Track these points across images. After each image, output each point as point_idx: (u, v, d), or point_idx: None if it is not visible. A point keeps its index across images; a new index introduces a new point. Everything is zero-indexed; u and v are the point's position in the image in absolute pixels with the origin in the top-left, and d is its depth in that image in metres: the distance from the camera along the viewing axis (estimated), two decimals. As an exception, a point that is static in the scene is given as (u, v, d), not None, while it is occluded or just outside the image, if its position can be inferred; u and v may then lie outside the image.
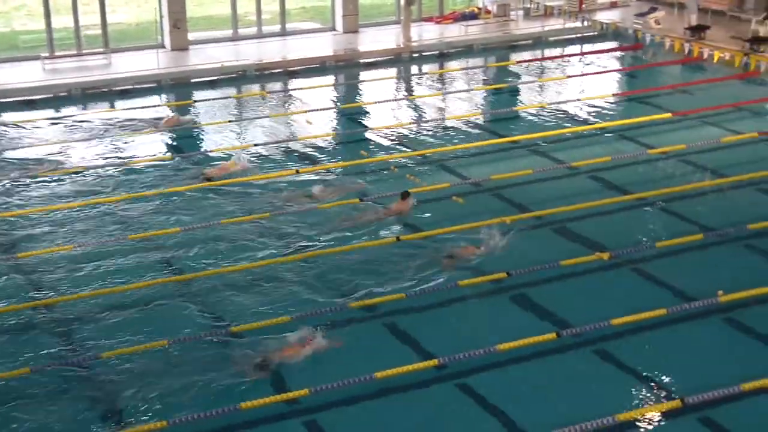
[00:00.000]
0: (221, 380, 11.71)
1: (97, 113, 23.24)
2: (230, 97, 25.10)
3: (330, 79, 27.24)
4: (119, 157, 19.91)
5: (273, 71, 27.21)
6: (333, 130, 22.32)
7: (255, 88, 26.11)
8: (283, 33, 30.68)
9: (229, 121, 22.58)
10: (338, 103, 24.94)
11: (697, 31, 28.28)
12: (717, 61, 26.50)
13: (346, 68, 28.00)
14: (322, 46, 29.20)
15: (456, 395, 11.52)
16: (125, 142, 20.94)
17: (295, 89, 26.04)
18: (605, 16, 31.91)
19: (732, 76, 25.83)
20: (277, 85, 26.37)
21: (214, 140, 21.28)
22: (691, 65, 27.34)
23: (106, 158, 19.83)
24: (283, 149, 20.43)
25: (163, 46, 28.39)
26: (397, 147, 20.65)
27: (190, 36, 28.86)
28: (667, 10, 31.57)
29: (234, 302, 13.74)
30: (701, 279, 14.16)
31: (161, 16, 28.39)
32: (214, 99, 24.65)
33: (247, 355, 12.23)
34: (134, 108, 23.68)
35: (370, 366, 11.84)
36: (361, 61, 28.48)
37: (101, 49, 27.55)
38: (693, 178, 18.48)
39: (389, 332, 12.89)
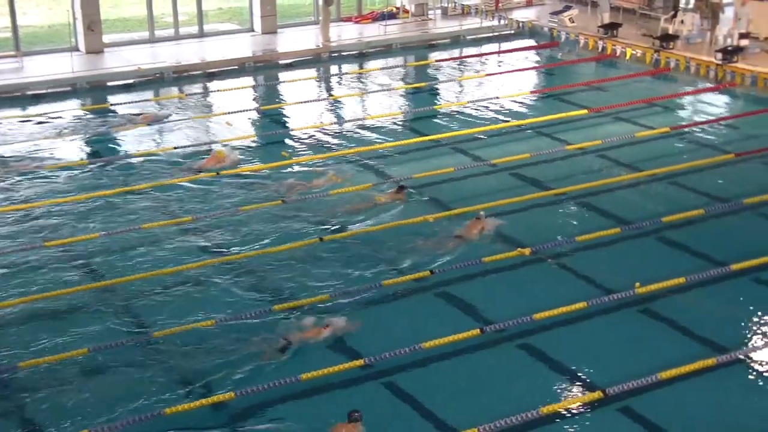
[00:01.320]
0: (144, 386, 11.61)
1: (10, 117, 22.76)
2: (148, 100, 24.77)
3: (249, 80, 27.09)
4: (36, 163, 19.50)
5: (191, 73, 26.95)
6: (253, 132, 22.21)
7: (173, 90, 25.84)
8: (201, 34, 30.39)
9: (148, 125, 22.27)
10: (258, 105, 24.83)
11: (610, 29, 28.85)
12: (629, 58, 27.12)
13: (265, 69, 27.87)
14: (241, 47, 29.02)
15: (383, 394, 11.59)
16: (41, 147, 20.51)
17: (214, 91, 25.83)
18: (521, 15, 32.35)
19: (644, 73, 26.43)
20: (196, 87, 26.13)
21: (131, 145, 20.97)
22: (605, 62, 27.90)
23: (22, 164, 19.40)
24: (203, 152, 20.25)
25: (77, 49, 27.87)
26: (319, 147, 20.65)
27: (105, 38, 28.39)
28: (581, 8, 32.14)
29: (156, 307, 13.59)
30: (619, 271, 14.48)
31: (75, 19, 27.89)
32: (131, 102, 24.29)
33: (267, 338, 12.44)
34: (49, 112, 23.20)
35: (296, 367, 11.85)
36: (281, 62, 28.38)
37: (12, 53, 26.94)
38: (610, 173, 18.84)
39: (314, 333, 12.90)
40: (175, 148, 20.40)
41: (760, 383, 11.73)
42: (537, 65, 28.56)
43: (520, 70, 27.50)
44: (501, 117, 22.77)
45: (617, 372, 11.78)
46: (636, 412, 11.11)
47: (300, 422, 11.05)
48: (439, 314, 13.50)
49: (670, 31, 27.96)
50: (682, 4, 29.84)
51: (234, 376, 11.79)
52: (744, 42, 25.71)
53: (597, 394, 11.34)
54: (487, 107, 23.58)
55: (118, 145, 21.09)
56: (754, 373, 11.94)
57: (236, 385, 11.51)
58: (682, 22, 28.35)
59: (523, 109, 23.49)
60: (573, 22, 30.65)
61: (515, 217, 16.68)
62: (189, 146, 20.55)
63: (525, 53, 29.64)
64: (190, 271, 14.61)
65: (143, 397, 11.38)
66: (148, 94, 25.27)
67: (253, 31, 30.89)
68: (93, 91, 25.31)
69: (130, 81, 25.95)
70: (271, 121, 23.05)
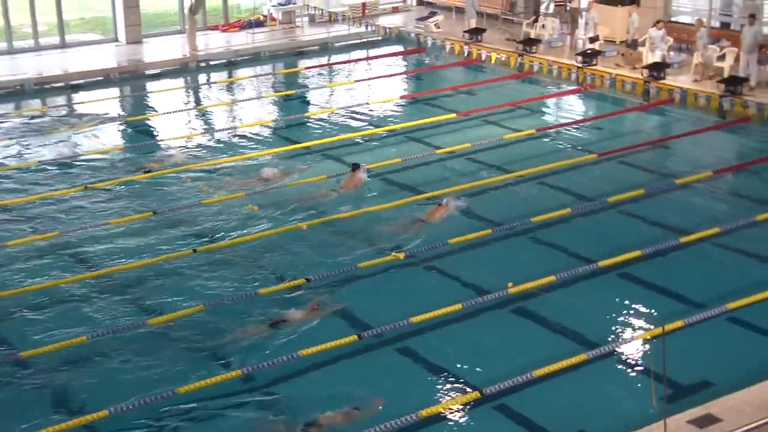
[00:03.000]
0: (13, 408, 11.28)
1: None
2: (8, 114, 23.94)
3: (115, 91, 26.53)
4: None
5: (54, 85, 26.21)
6: (120, 144, 21.73)
7: (35, 103, 25.05)
8: (63, 45, 29.60)
9: (10, 138, 21.54)
10: (125, 116, 24.29)
11: (475, 34, 29.38)
12: (494, 62, 27.69)
13: (131, 80, 27.33)
14: (105, 57, 28.39)
15: (262, 404, 11.49)
16: None
17: (78, 103, 25.17)
18: (388, 21, 32.62)
19: (509, 77, 27.00)
20: (60, 99, 25.40)
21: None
22: (471, 67, 28.40)
23: None
24: (69, 165, 19.70)
25: (-70, 62, 26.83)
26: (189, 157, 20.35)
27: (-39, 50, 27.43)
28: (446, 14, 32.66)
29: (25, 326, 13.18)
30: (492, 272, 14.72)
31: (-74, 30, 26.82)
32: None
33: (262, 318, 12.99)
34: None
35: (172, 381, 11.65)
36: (147, 72, 27.88)
37: None
38: (480, 176, 19.17)
39: (190, 346, 12.67)
40: (39, 162, 19.81)
41: (632, 375, 12.11)
42: (405, 71, 28.87)
43: (388, 75, 27.73)
44: (371, 123, 22.93)
45: (493, 371, 11.98)
46: (513, 410, 11.30)
47: (178, 438, 10.91)
48: (316, 321, 13.46)
49: (533, 36, 28.70)
50: (542, 9, 30.64)
51: (107, 392, 11.50)
52: (593, 45, 26.60)
53: (474, 394, 11.50)
54: (357, 113, 23.71)
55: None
56: (626, 365, 12.32)
57: (108, 402, 11.22)
58: (543, 26, 29.14)
59: (393, 115, 23.71)
60: (439, 27, 31.09)
61: (387, 221, 16.77)
62: (54, 160, 19.97)
63: (393, 59, 29.92)
64: (60, 287, 14.21)
65: (12, 420, 11.01)
66: (9, 107, 24.45)
67: (117, 41, 30.25)
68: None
69: (-11, 94, 25.10)
70: (139, 132, 22.61)
